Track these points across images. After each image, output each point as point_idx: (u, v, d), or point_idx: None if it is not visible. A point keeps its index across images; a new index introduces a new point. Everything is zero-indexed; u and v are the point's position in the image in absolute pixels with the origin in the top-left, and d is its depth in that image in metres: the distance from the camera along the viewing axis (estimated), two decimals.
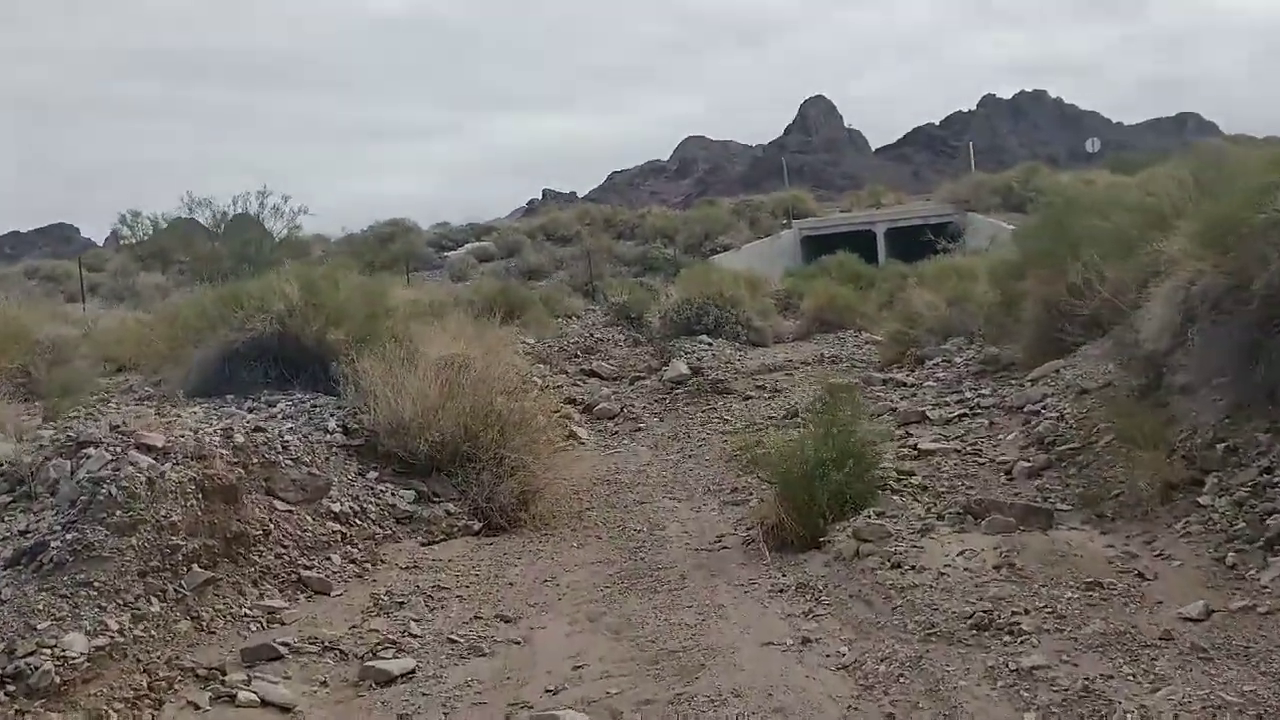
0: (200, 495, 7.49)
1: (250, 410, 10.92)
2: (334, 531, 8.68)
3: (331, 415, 10.77)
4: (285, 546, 8.15)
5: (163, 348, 12.67)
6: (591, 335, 25.31)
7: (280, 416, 10.65)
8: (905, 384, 14.75)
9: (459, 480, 10.24)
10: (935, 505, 8.45)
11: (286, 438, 9.25)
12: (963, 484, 9.08)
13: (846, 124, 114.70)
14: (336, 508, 8.94)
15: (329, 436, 10.23)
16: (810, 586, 7.36)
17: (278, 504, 8.50)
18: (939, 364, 15.76)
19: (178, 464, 7.60)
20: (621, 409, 17.23)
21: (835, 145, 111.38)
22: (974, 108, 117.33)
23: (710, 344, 20.71)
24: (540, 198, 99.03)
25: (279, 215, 28.90)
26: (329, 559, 8.38)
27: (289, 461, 8.89)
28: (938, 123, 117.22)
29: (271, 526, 8.12)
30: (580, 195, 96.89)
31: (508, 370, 18.78)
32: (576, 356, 23.36)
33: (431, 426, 10.21)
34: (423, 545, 9.37)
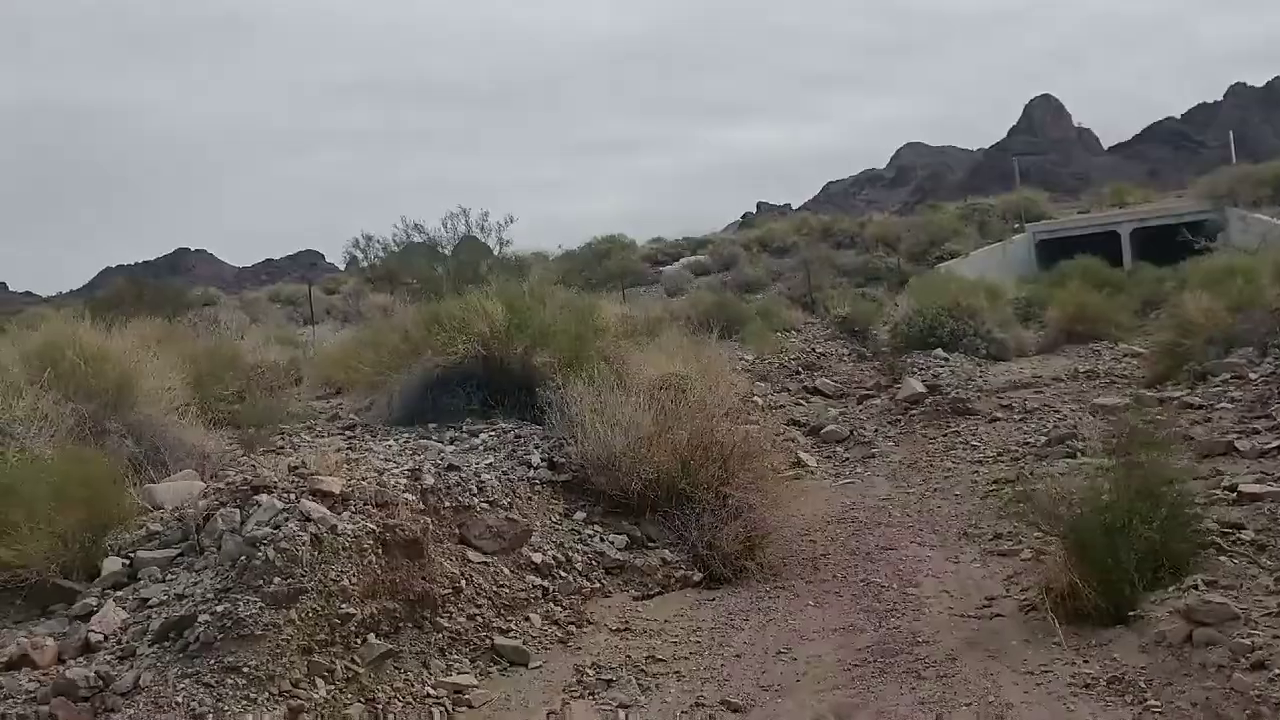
0: (380, 550, 6.44)
1: (451, 441, 9.95)
2: (534, 586, 7.52)
3: (536, 447, 9.67)
4: (479, 606, 7.03)
5: (369, 372, 11.92)
6: (813, 350, 23.71)
7: (481, 448, 9.61)
8: (1191, 405, 12.56)
9: (676, 522, 8.94)
10: None
11: (484, 476, 8.17)
12: None
13: (1076, 122, 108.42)
14: (538, 558, 7.78)
15: (532, 472, 9.13)
16: (1128, 682, 5.66)
17: (471, 555, 7.40)
18: (1228, 381, 13.44)
19: (356, 513, 6.58)
20: (851, 432, 15.61)
21: (1064, 145, 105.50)
22: (1221, 98, 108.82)
23: (947, 359, 18.79)
24: (755, 210, 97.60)
25: (486, 231, 28.46)
26: (528, 619, 7.21)
27: (485, 504, 7.79)
28: (1179, 116, 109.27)
29: (463, 582, 7.02)
30: (795, 206, 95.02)
31: (728, 391, 17.56)
32: (798, 373, 21.80)
33: (645, 460, 8.96)
34: (635, 600, 8.11)
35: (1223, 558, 6.91)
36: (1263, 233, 28.16)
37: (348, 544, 6.18)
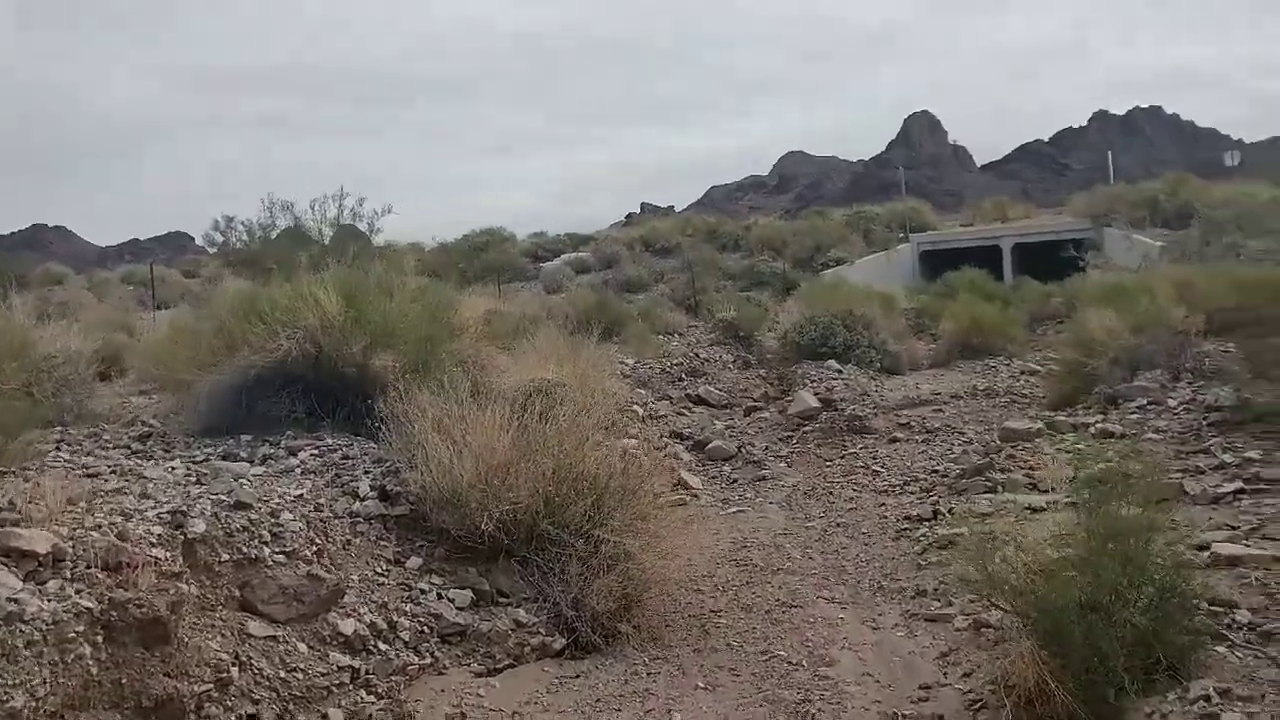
0: (101, 638, 4.42)
1: (263, 461, 7.89)
2: (340, 668, 5.56)
3: (366, 473, 7.69)
4: (256, 702, 5.05)
5: (181, 368, 9.73)
6: (696, 355, 22.04)
7: (298, 472, 7.59)
8: (1111, 434, 11.18)
9: (536, 572, 7.08)
10: None
11: (284, 516, 6.14)
12: None
13: (951, 139, 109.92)
14: (349, 626, 5.82)
15: (358, 505, 7.15)
16: None
17: (254, 627, 5.41)
18: (1146, 407, 12.14)
19: (72, 581, 4.53)
20: (739, 449, 13.96)
21: (939, 161, 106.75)
22: (1084, 123, 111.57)
23: (840, 371, 17.29)
24: (639, 211, 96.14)
25: (360, 218, 26.02)
26: (326, 717, 5.24)
27: (280, 556, 5.80)
28: (1046, 139, 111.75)
29: (235, 670, 5.03)
30: (678, 209, 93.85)
31: (606, 401, 15.74)
32: (680, 380, 20.10)
33: (499, 494, 7.06)
34: (477, 677, 6.22)
35: (1222, 648, 5.33)
36: (1144, 252, 27.55)
37: (40, 635, 4.15)
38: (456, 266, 33.08)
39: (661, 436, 15.04)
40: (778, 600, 7.74)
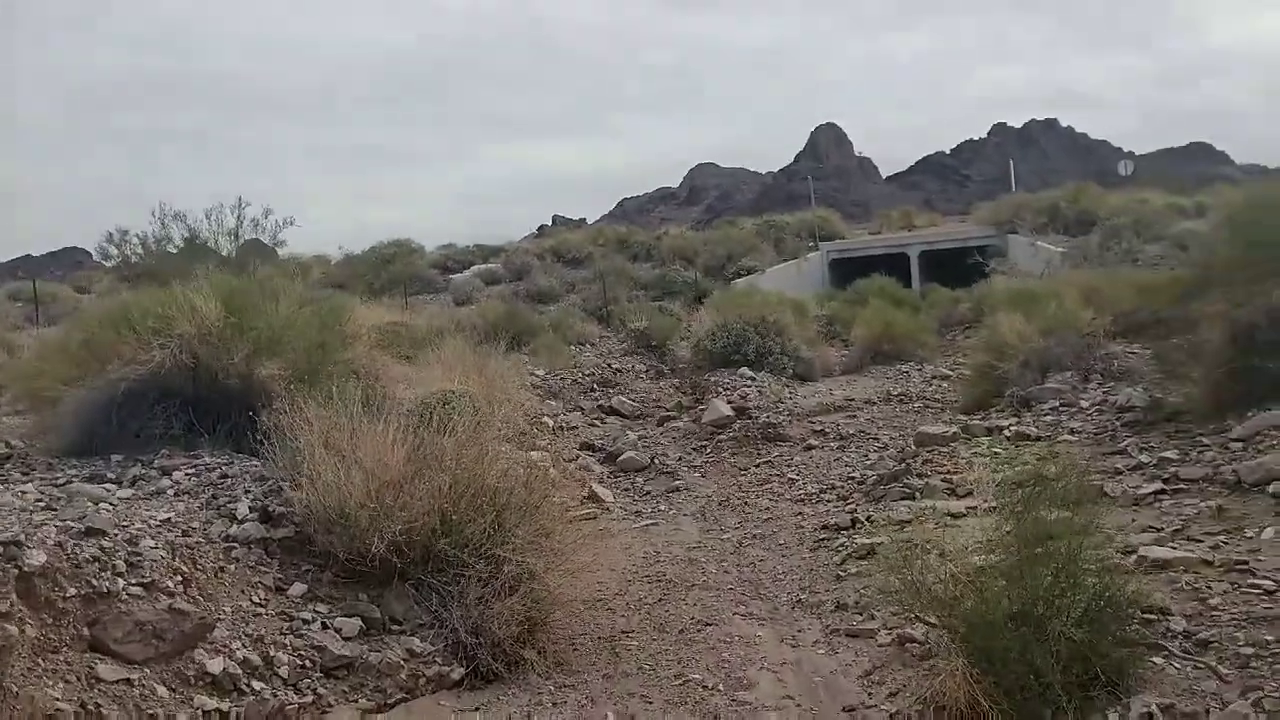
0: None
1: (133, 482, 7.21)
2: (206, 712, 4.94)
3: (247, 492, 7.04)
4: None
5: (49, 382, 8.94)
6: (609, 365, 21.61)
7: (171, 494, 6.93)
8: (1028, 436, 10.96)
9: (432, 596, 6.53)
10: (1261, 691, 4.63)
11: (144, 543, 5.50)
12: (1272, 641, 5.25)
13: (856, 151, 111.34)
14: (217, 665, 5.22)
15: (236, 528, 6.51)
16: None
17: (105, 670, 4.79)
18: (1059, 408, 11.99)
19: None
20: (652, 460, 13.52)
21: (845, 172, 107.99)
22: (984, 136, 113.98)
23: (753, 378, 16.98)
24: (550, 223, 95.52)
25: (260, 230, 25.02)
26: None
27: (137, 588, 5.17)
28: (948, 151, 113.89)
29: None
30: (590, 221, 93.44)
31: (515, 411, 15.17)
32: (593, 390, 19.64)
33: (393, 513, 6.49)
34: (367, 714, 5.65)
35: (1159, 659, 5.01)
36: (1047, 258, 27.88)
37: None
38: (362, 278, 32.18)
39: (572, 448, 14.54)
40: (692, 618, 7.28)
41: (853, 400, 15.88)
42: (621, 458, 13.71)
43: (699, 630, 7.00)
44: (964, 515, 8.54)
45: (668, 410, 17.27)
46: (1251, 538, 6.62)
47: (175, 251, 25.17)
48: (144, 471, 7.43)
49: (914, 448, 11.71)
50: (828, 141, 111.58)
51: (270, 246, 41.34)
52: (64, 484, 7.05)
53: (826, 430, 14.03)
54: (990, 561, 5.87)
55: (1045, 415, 11.90)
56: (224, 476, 7.24)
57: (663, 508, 11.37)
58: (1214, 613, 5.43)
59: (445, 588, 6.51)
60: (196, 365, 8.03)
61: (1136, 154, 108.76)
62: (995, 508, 8.53)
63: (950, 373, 17.88)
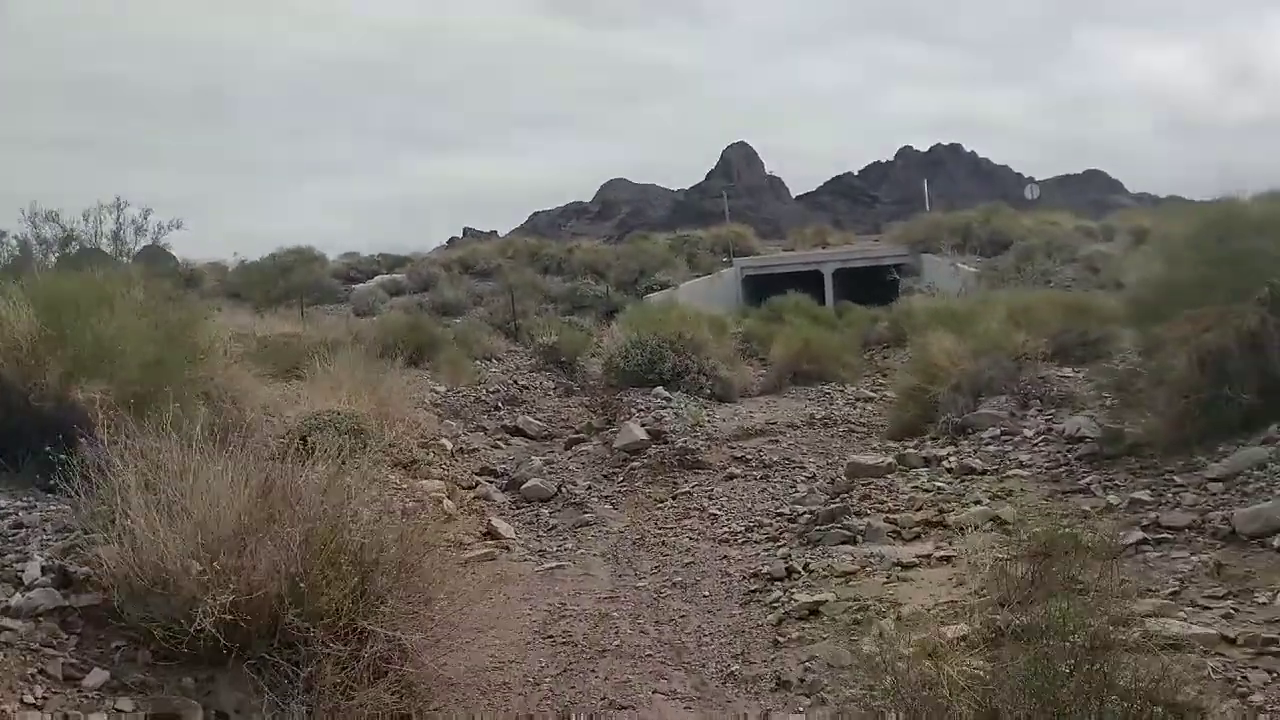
0: None
1: None
2: None
3: (45, 545, 5.54)
4: None
5: None
6: (515, 382, 20.19)
7: None
8: (974, 470, 9.88)
9: (276, 682, 5.11)
10: None
11: None
12: None
13: (767, 170, 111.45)
14: None
15: (21, 597, 5.03)
16: None
17: None
18: (1000, 437, 10.96)
19: None
20: (559, 488, 12.19)
21: (756, 191, 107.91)
22: (892, 158, 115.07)
23: (669, 399, 15.73)
24: (461, 235, 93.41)
25: (141, 233, 23.09)
26: None
27: None
28: (856, 172, 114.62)
29: None
30: (502, 234, 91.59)
31: (408, 432, 13.69)
32: (497, 409, 18.20)
33: (229, 575, 5.06)
34: None
35: None
36: (965, 278, 27.25)
37: None
38: (258, 287, 30.23)
39: (471, 474, 13.13)
40: (603, 697, 5.97)
41: (774, 423, 14.73)
42: (525, 485, 12.35)
43: (611, 717, 5.68)
44: (915, 565, 7.39)
45: (577, 432, 15.94)
46: (1265, 604, 5.54)
47: (65, 256, 23.01)
48: None
49: (846, 479, 10.59)
50: (739, 160, 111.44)
51: (165, 251, 39.00)
52: None
53: (748, 457, 12.85)
54: (967, 633, 4.74)
55: (987, 445, 10.86)
56: (17, 526, 5.73)
57: (570, 546, 10.04)
58: (1261, 715, 4.29)
59: (294, 670, 5.10)
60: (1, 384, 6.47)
61: (1037, 179, 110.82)
62: (949, 557, 7.42)
63: (874, 394, 16.88)
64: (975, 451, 10.67)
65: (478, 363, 21.93)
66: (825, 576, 7.37)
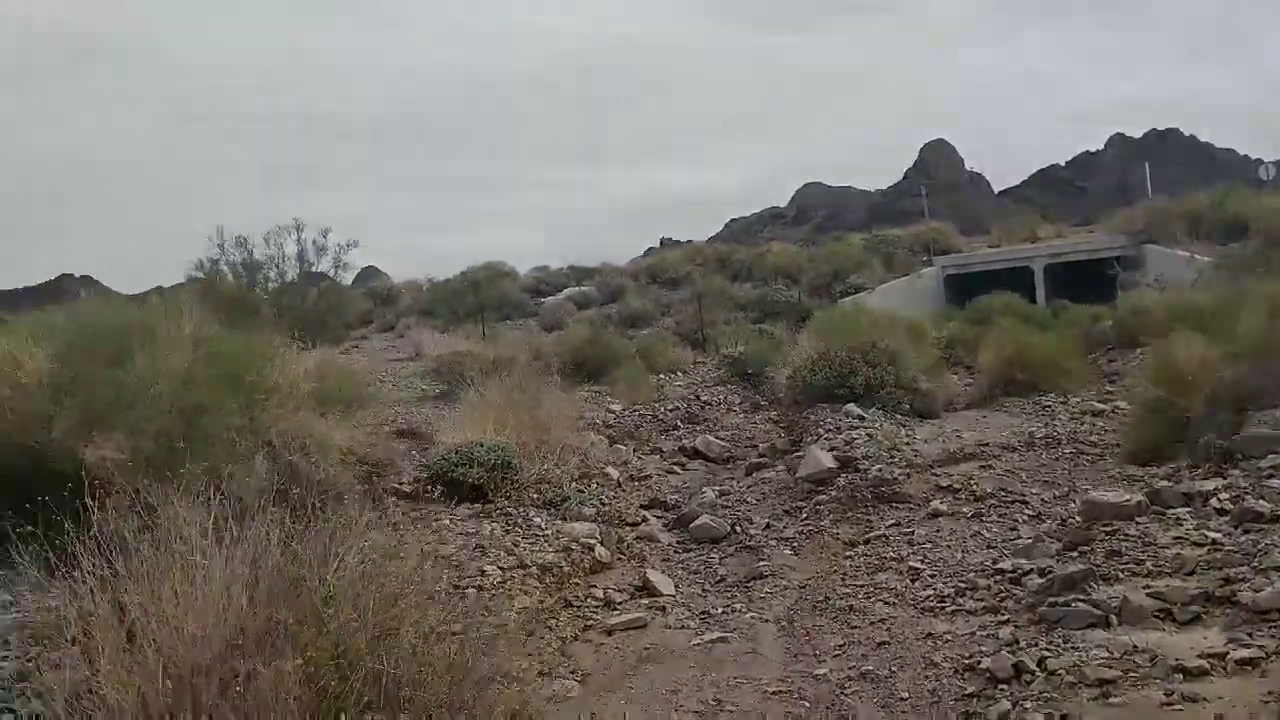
0: None
1: None
2: None
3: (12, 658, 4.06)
4: None
5: None
6: (697, 398, 18.42)
7: None
8: (1262, 517, 7.37)
9: None
10: None
11: None
12: None
13: (968, 166, 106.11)
14: None
15: None
16: None
17: None
18: None
19: None
20: (733, 528, 10.32)
21: (956, 187, 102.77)
22: (1101, 148, 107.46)
23: (862, 417, 13.53)
24: (658, 245, 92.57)
25: (322, 253, 22.58)
26: None
27: None
28: (1063, 164, 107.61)
29: None
30: (698, 243, 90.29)
31: (572, 459, 12.04)
32: (676, 428, 16.47)
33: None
34: None
35: None
36: (1200, 269, 23.70)
37: None
38: (446, 303, 29.63)
39: (638, 507, 11.40)
40: None
41: (986, 445, 12.33)
42: (694, 524, 10.54)
43: None
44: (1205, 673, 5.11)
45: (760, 454, 14.00)
46: None
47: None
48: None
49: (1083, 523, 8.25)
50: (937, 157, 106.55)
51: (379, 271, 39.12)
52: None
53: (956, 487, 10.59)
54: None
55: (1269, 478, 8.29)
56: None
57: (738, 607, 8.12)
58: None
59: None
60: (14, 442, 5.11)
61: (1265, 160, 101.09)
62: (1255, 661, 5.12)
63: (1103, 406, 14.18)
64: (1255, 487, 8.13)
65: (661, 377, 20.33)
66: (1072, 684, 5.19)
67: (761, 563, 9.25)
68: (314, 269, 23.89)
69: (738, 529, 10.33)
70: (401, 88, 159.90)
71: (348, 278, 25.56)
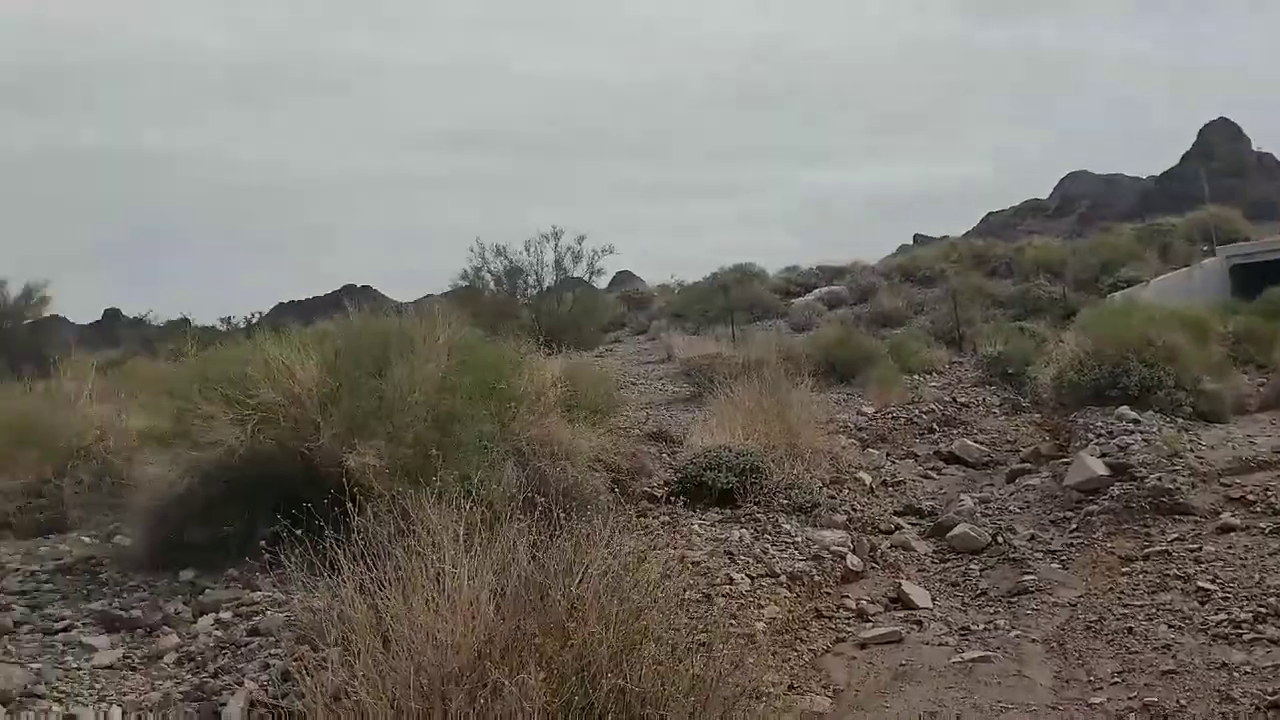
0: None
1: (150, 631, 4.65)
2: None
3: (266, 667, 4.28)
4: None
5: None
6: (954, 399, 17.65)
7: (172, 659, 4.28)
8: None
9: None
10: None
11: None
12: None
13: (1255, 146, 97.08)
14: None
15: None
16: None
17: None
18: None
19: None
20: (994, 538, 9.72)
21: (1242, 171, 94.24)
22: None
23: (1137, 421, 12.44)
24: (911, 242, 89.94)
25: (578, 260, 23.24)
26: None
27: None
28: None
29: None
30: (953, 239, 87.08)
31: (820, 466, 11.74)
32: (931, 431, 15.82)
33: None
34: None
35: None
36: None
37: None
38: (695, 306, 29.81)
39: (891, 514, 10.97)
40: None
41: None
42: (952, 533, 10.01)
43: None
44: None
45: (1023, 459, 13.19)
46: None
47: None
48: (178, 610, 4.86)
49: None
50: (1219, 138, 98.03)
51: (634, 275, 40.09)
52: (62, 629, 4.60)
53: (1250, 498, 9.53)
54: None
55: None
56: (254, 633, 4.50)
57: (1001, 624, 7.60)
58: None
59: None
60: (282, 447, 5.41)
61: None
62: None
63: None
64: None
65: (915, 377, 19.61)
66: None
67: (1027, 576, 8.64)
68: (570, 275, 24.63)
69: (999, 539, 9.71)
70: (629, 96, 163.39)
71: (602, 282, 26.18)
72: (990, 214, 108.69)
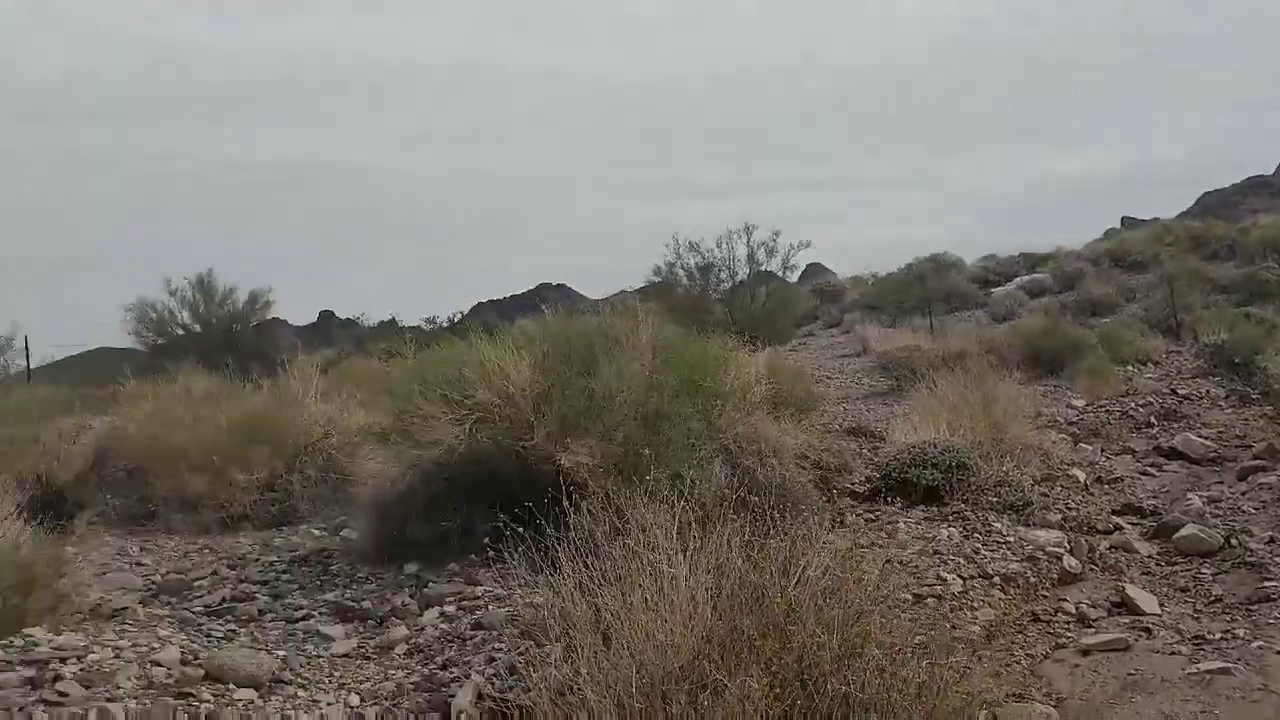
0: None
1: (380, 621, 4.87)
2: None
3: (491, 661, 4.40)
4: None
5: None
6: (1173, 391, 16.58)
7: (401, 651, 4.46)
8: None
9: None
10: None
11: None
12: None
13: None
14: None
15: None
16: None
17: None
18: None
19: None
20: (1227, 540, 9.03)
21: None
22: None
23: None
24: (1119, 226, 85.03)
25: (772, 254, 23.03)
26: None
27: None
28: None
29: None
30: (1165, 221, 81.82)
31: (1025, 464, 11.23)
32: (1149, 425, 14.91)
33: None
34: None
35: None
36: None
37: None
38: (890, 297, 29.10)
39: (1108, 513, 10.37)
40: None
41: None
42: (1179, 534, 9.36)
43: None
44: None
45: (1255, 455, 12.25)
46: None
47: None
48: (405, 602, 5.07)
49: None
50: None
51: (823, 268, 39.68)
52: (301, 617, 4.88)
53: None
54: None
55: None
56: (477, 626, 4.63)
57: (1240, 634, 7.04)
58: None
59: None
60: (498, 447, 5.56)
61: None
62: None
63: None
64: None
65: (1128, 368, 18.55)
66: None
67: (1268, 583, 7.98)
68: (763, 269, 24.47)
69: (1234, 542, 9.02)
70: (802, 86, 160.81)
71: (794, 276, 25.91)
72: (1207, 193, 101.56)
